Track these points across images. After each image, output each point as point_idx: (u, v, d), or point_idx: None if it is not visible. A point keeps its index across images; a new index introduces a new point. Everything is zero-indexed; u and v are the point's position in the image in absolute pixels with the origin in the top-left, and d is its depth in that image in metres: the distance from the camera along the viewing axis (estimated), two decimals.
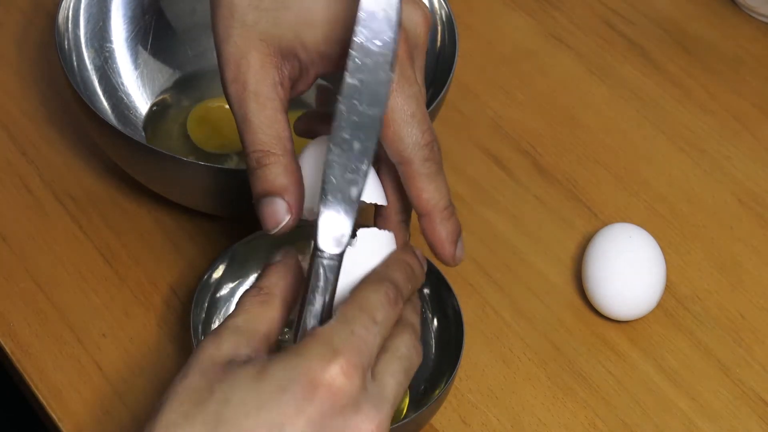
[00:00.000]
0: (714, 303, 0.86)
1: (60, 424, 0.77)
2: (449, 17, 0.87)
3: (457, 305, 0.77)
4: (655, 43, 1.02)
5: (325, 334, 0.58)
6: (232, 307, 0.79)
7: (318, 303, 0.61)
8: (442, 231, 0.66)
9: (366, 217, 0.89)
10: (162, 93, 0.92)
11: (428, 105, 0.84)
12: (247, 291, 0.62)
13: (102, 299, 0.83)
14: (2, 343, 0.80)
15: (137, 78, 0.91)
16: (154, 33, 0.92)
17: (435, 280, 0.78)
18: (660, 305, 0.85)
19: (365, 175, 0.62)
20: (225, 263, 0.79)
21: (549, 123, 0.96)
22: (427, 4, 0.89)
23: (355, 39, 0.60)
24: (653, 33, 1.03)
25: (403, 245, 0.66)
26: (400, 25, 0.62)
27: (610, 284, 0.82)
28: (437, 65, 0.88)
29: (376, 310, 0.59)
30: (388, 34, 0.61)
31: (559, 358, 0.82)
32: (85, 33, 0.89)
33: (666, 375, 0.82)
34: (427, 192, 0.65)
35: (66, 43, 0.86)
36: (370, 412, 0.57)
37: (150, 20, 0.92)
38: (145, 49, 0.92)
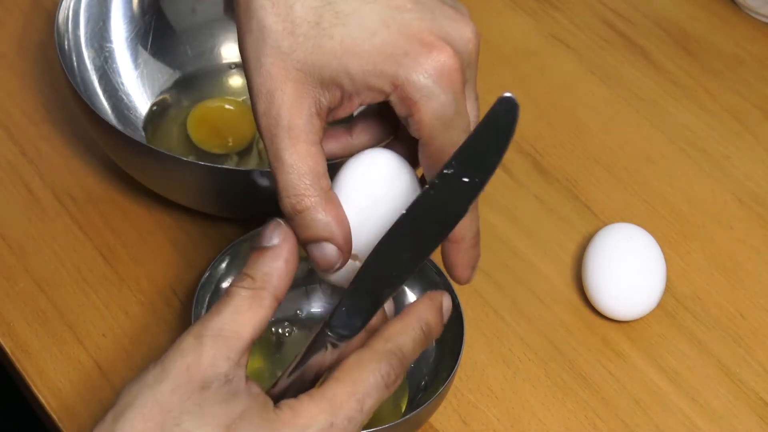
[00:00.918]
0: (714, 303, 0.86)
1: (60, 424, 0.77)
2: None
3: (458, 305, 0.77)
4: (655, 43, 1.02)
5: (303, 417, 0.56)
6: None
7: (311, 372, 0.60)
8: (465, 258, 0.64)
9: None
10: (162, 93, 0.92)
11: None
12: (237, 280, 0.59)
13: (102, 299, 0.83)
14: (2, 343, 0.80)
15: (137, 78, 0.91)
16: (154, 33, 0.92)
17: (436, 279, 0.78)
18: (660, 305, 0.85)
19: (402, 283, 0.60)
20: (225, 262, 0.79)
21: (549, 123, 0.96)
22: None
23: (451, 162, 0.58)
24: (653, 33, 1.03)
25: (432, 294, 0.62)
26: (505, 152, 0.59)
27: (610, 284, 0.82)
28: None
29: (367, 397, 0.57)
30: (487, 169, 0.58)
31: (559, 358, 0.82)
32: (85, 33, 0.89)
33: (666, 375, 0.82)
34: (462, 223, 0.61)
35: (66, 43, 0.86)
36: None
37: (150, 20, 0.92)
38: (145, 49, 0.92)
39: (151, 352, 0.80)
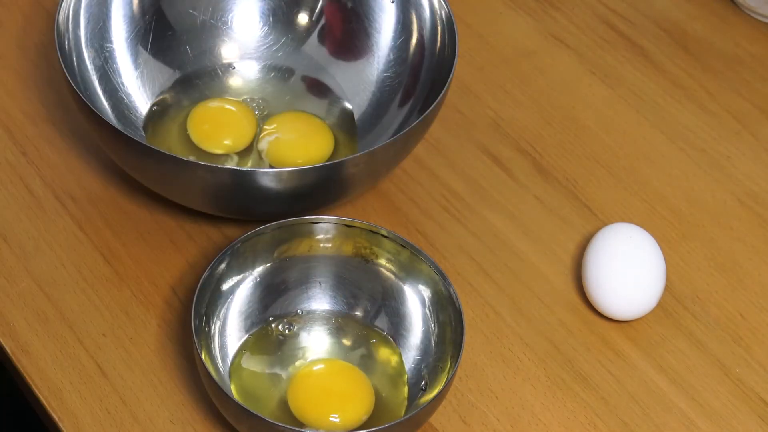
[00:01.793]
0: (714, 303, 0.86)
1: (60, 424, 0.77)
2: (449, 17, 0.87)
3: (458, 305, 0.77)
4: (655, 43, 1.02)
5: None
6: (233, 306, 0.80)
7: None
8: None
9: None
10: (162, 93, 0.92)
11: (428, 105, 0.84)
12: None
13: (102, 299, 0.83)
14: (2, 342, 0.80)
15: (137, 78, 0.91)
16: (154, 33, 0.92)
17: (436, 279, 0.78)
18: (660, 305, 0.85)
19: None
20: (225, 262, 0.79)
21: (549, 123, 0.96)
22: (427, 4, 0.89)
23: None
24: (653, 33, 1.03)
25: None
26: None
27: (610, 284, 0.82)
28: (437, 65, 0.88)
29: None
30: None
31: (559, 358, 0.82)
32: (86, 33, 0.89)
33: (666, 375, 0.82)
34: None
35: (66, 43, 0.86)
36: None
37: (150, 20, 0.92)
38: (145, 49, 0.92)
39: (151, 352, 0.80)
